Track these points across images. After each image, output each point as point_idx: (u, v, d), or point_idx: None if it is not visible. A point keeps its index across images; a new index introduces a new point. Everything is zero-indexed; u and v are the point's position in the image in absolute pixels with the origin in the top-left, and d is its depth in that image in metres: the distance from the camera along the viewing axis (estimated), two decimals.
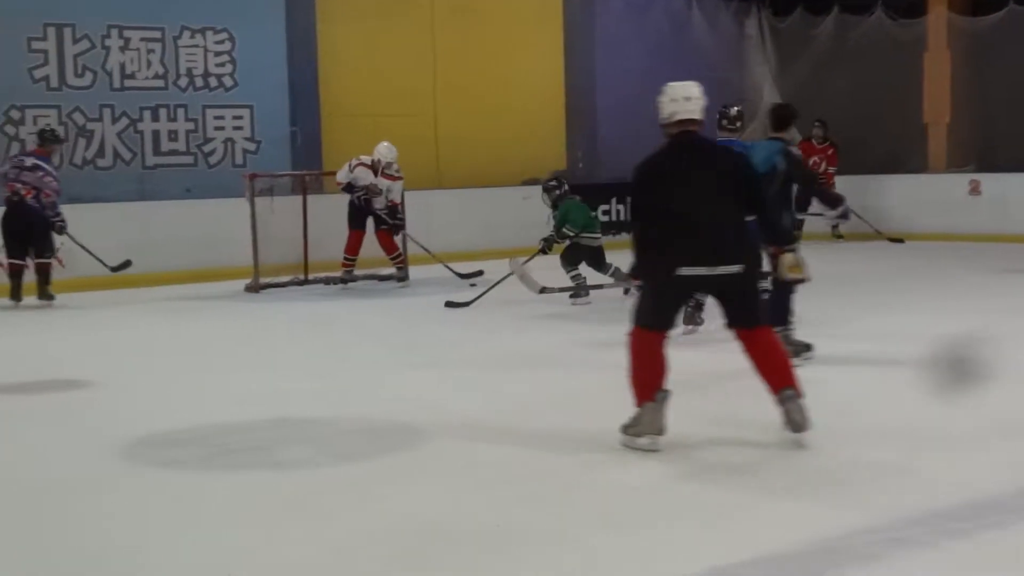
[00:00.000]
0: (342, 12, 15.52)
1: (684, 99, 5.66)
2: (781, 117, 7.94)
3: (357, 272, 12.77)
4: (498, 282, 11.01)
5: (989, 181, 16.44)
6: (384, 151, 12.51)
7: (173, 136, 14.18)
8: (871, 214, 16.08)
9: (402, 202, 12.82)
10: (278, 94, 14.78)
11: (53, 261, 11.35)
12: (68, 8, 13.47)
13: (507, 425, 6.29)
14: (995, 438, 5.69)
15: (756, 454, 5.52)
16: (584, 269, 10.85)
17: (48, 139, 11.74)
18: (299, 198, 12.99)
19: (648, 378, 5.57)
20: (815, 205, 10.98)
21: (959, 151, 17.49)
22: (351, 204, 12.75)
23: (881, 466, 5.27)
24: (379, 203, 12.65)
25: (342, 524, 4.68)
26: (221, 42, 14.44)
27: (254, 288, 12.27)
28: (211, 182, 13.94)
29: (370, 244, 12.82)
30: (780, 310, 7.45)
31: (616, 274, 10.46)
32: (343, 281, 12.70)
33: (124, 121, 13.87)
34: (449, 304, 10.78)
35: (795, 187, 7.73)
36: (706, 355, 7.67)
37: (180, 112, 14.24)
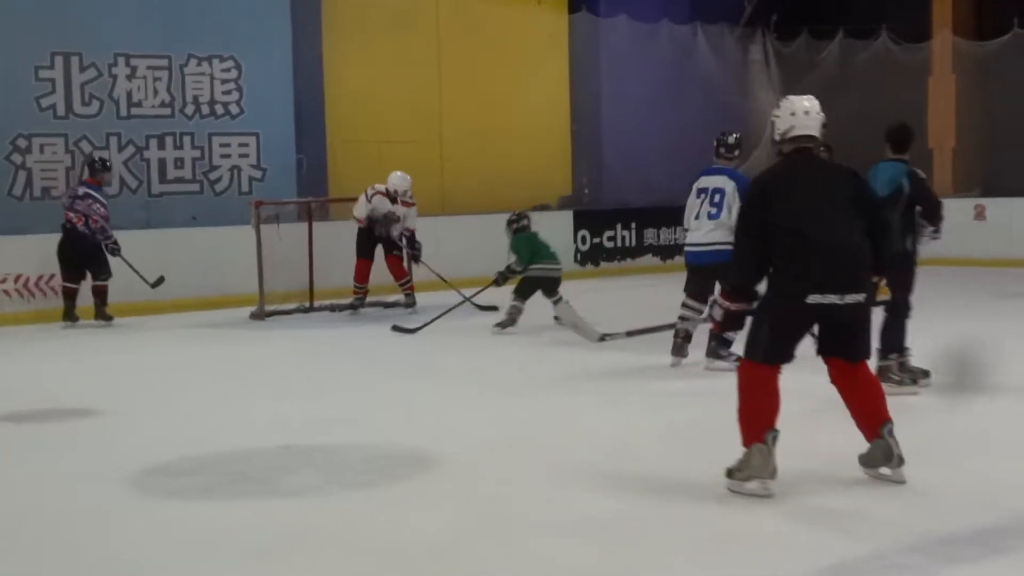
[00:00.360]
0: (348, 40, 15.59)
1: (803, 113, 5.36)
2: (902, 139, 7.63)
3: (357, 300, 12.76)
4: (448, 311, 11.20)
5: (994, 206, 16.44)
6: (398, 180, 12.56)
7: (179, 164, 14.22)
8: None
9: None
10: (284, 121, 14.82)
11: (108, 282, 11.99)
12: (75, 37, 13.52)
13: (517, 454, 6.27)
14: None
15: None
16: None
17: (97, 169, 12.36)
18: (305, 225, 13.00)
19: (758, 418, 5.16)
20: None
21: (964, 176, 17.50)
22: (360, 232, 12.75)
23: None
24: (395, 230, 12.69)
25: (349, 552, 4.66)
26: (227, 70, 14.50)
27: (259, 315, 12.27)
28: (217, 209, 13.97)
29: (376, 271, 12.81)
30: (897, 336, 7.33)
31: (561, 307, 10.14)
32: (352, 307, 12.70)
33: (131, 149, 13.90)
34: (396, 328, 11.05)
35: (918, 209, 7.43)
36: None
37: (186, 140, 14.27)
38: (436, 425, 7.05)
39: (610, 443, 6.42)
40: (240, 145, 14.64)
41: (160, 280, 12.39)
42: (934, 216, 7.44)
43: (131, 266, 12.12)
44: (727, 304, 5.48)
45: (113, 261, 11.99)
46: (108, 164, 12.68)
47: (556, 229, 16.22)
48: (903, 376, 7.39)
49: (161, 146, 14.09)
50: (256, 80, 14.58)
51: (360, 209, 12.61)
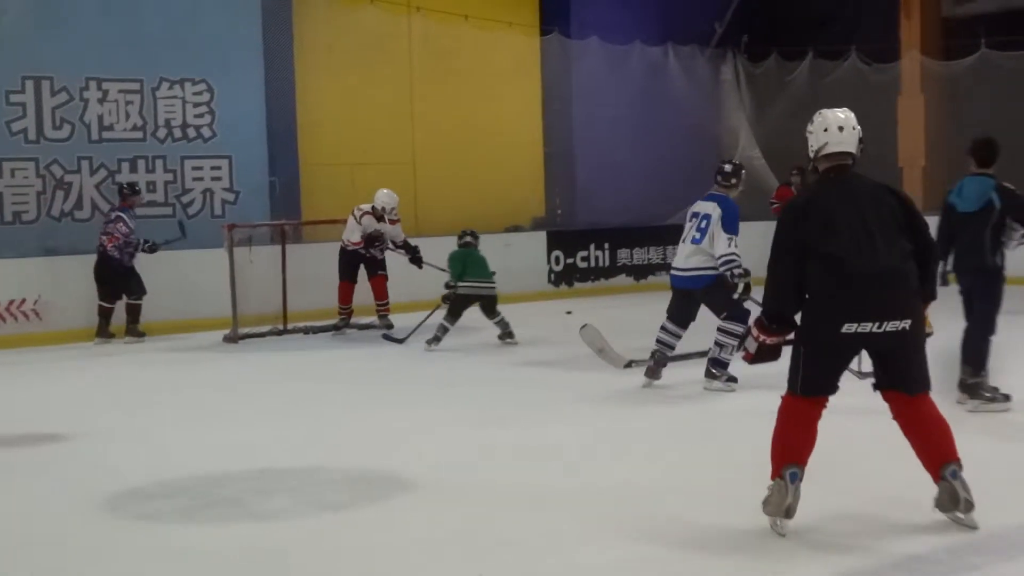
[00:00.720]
0: (320, 63, 15.58)
1: (837, 129, 5.05)
2: (987, 153, 7.52)
3: (342, 321, 12.77)
4: (426, 317, 11.50)
5: None
6: (385, 197, 12.58)
7: (152, 187, 14.15)
8: None
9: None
10: (256, 144, 14.78)
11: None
12: (46, 61, 13.45)
13: (492, 477, 6.26)
14: None
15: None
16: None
17: (126, 194, 12.84)
18: (278, 248, 12.98)
19: (783, 452, 4.91)
20: None
21: (934, 193, 17.61)
22: (342, 254, 12.74)
23: None
24: (384, 247, 12.77)
25: (323, 575, 4.65)
26: (199, 93, 14.45)
27: (233, 339, 12.22)
28: (190, 232, 13.92)
29: (357, 293, 12.80)
30: (979, 355, 7.21)
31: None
32: (336, 328, 12.71)
33: (102, 173, 13.83)
34: (386, 337, 11.57)
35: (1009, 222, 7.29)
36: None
37: (159, 163, 14.21)
38: (411, 448, 7.04)
39: (588, 466, 6.43)
40: (212, 168, 14.59)
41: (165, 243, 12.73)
42: None
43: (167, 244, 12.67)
44: (760, 336, 5.06)
45: (151, 263, 12.51)
46: (137, 188, 13.11)
47: (530, 250, 16.29)
48: (995, 392, 7.26)
49: (133, 169, 14.01)
50: (228, 103, 14.53)
51: (353, 232, 12.60)
